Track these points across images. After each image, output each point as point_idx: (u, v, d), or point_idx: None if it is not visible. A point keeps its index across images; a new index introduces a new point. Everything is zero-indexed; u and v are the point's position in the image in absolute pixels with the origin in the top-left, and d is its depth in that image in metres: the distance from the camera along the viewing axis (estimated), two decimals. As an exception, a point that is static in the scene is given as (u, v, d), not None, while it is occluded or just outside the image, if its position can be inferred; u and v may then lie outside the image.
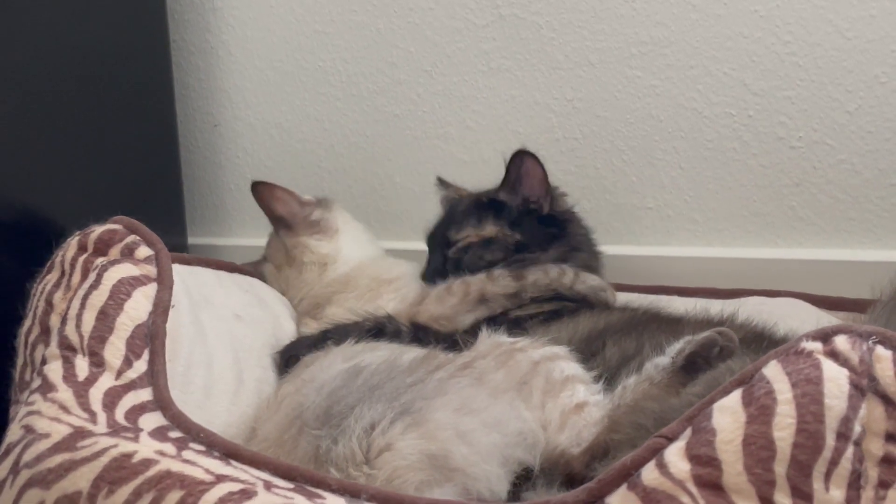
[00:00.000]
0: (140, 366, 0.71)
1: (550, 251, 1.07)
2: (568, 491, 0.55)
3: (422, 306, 1.01)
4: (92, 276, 0.75)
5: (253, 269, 1.16)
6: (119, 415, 0.66)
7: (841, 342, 0.51)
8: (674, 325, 0.88)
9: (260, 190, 1.14)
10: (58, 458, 0.60)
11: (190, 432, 0.64)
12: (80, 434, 0.63)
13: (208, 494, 0.55)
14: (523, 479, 0.70)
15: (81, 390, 0.67)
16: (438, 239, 1.12)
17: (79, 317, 0.72)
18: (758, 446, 0.48)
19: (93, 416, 0.65)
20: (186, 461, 0.59)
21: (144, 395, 0.69)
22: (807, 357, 0.51)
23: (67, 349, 0.70)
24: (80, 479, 0.58)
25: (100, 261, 0.77)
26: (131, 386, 0.69)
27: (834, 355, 0.51)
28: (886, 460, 0.48)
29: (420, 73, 1.42)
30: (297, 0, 1.48)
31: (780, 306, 1.07)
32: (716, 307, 0.96)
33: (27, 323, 0.78)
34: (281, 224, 1.16)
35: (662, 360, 0.74)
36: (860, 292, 0.95)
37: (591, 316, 0.95)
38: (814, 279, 1.16)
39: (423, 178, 1.44)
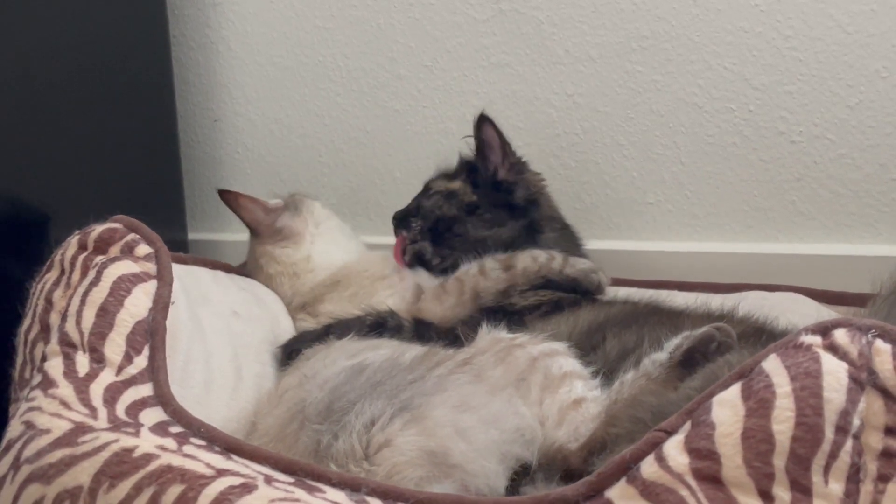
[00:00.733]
0: (140, 361, 0.71)
1: (507, 225, 1.08)
2: (567, 486, 0.55)
3: (422, 304, 1.01)
4: (92, 274, 0.75)
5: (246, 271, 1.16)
6: (120, 410, 0.66)
7: (840, 336, 0.51)
8: (674, 319, 0.88)
9: (225, 198, 1.12)
10: (58, 454, 0.60)
11: (191, 427, 0.65)
12: (80, 429, 0.63)
13: (209, 488, 0.55)
14: (522, 475, 0.70)
15: (82, 386, 0.67)
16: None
17: (79, 313, 0.72)
18: (757, 440, 0.48)
19: (93, 412, 0.65)
20: (187, 456, 0.59)
21: (145, 390, 0.69)
22: (806, 350, 0.51)
23: (68, 346, 0.70)
24: (81, 474, 0.58)
25: (99, 259, 0.77)
26: (132, 381, 0.69)
27: (833, 349, 0.50)
28: (885, 454, 0.48)
29: (420, 69, 1.41)
30: (296, -4, 1.48)
31: (780, 301, 1.07)
32: (716, 302, 0.96)
33: (27, 321, 0.78)
34: (251, 230, 1.14)
35: (660, 356, 0.74)
36: (860, 287, 0.95)
37: (591, 309, 0.95)
38: (814, 274, 1.16)
39: (424, 173, 1.43)
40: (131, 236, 0.80)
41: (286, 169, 1.55)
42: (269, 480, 0.57)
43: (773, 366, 0.51)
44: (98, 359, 0.70)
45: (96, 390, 0.67)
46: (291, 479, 0.58)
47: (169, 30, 1.46)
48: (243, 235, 1.19)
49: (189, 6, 1.56)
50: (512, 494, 0.68)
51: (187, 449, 0.61)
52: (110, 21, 1.30)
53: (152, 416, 0.66)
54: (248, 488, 0.55)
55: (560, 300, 0.99)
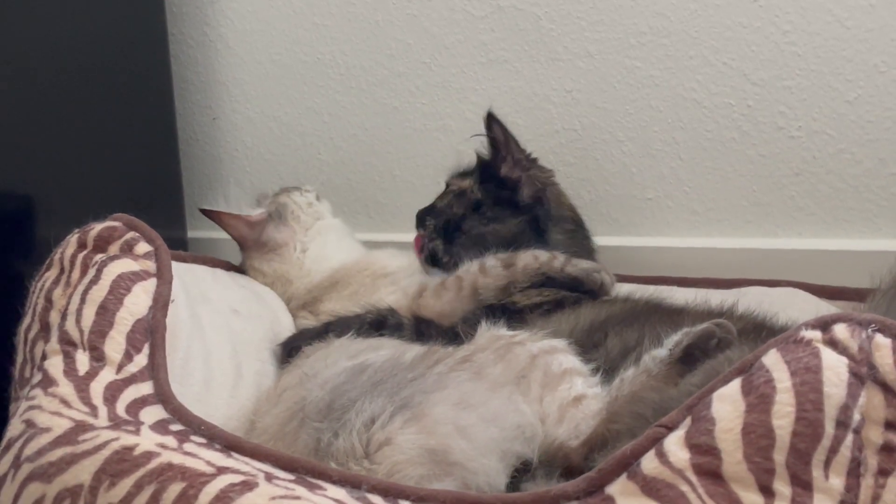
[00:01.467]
0: (140, 360, 0.71)
1: (507, 222, 1.08)
2: (567, 482, 0.55)
3: (421, 300, 1.01)
4: (91, 272, 0.75)
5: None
6: (120, 408, 0.66)
7: (840, 330, 0.51)
8: (675, 316, 0.88)
9: (208, 216, 1.11)
10: (59, 452, 0.61)
11: (191, 425, 0.65)
12: (81, 428, 0.63)
13: (210, 486, 0.55)
14: (523, 472, 0.70)
15: (82, 384, 0.67)
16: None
17: (79, 312, 0.72)
18: (757, 435, 0.48)
19: (94, 410, 0.65)
20: (188, 454, 0.59)
21: (145, 388, 0.69)
22: (806, 346, 0.51)
23: (68, 344, 0.70)
24: (82, 473, 0.59)
25: (99, 257, 0.77)
26: (132, 380, 0.69)
27: (833, 344, 0.51)
28: (886, 448, 0.48)
29: (419, 65, 1.41)
30: (295, -7, 1.48)
31: (780, 296, 1.07)
32: (716, 298, 0.96)
33: (26, 320, 0.78)
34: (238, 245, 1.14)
35: (660, 352, 0.74)
36: (860, 282, 0.94)
37: (592, 307, 0.95)
38: (814, 269, 1.15)
39: (423, 170, 1.44)
40: (131, 234, 0.80)
41: (285, 166, 1.55)
42: (269, 478, 0.57)
43: (773, 361, 0.51)
44: (98, 357, 0.70)
45: (96, 389, 0.67)
46: (292, 477, 0.58)
47: (167, 28, 1.46)
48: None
49: (187, 4, 1.56)
50: (513, 491, 0.68)
51: (188, 447, 0.61)
52: (108, 19, 1.30)
53: (152, 414, 0.66)
54: (248, 486, 0.55)
55: (563, 299, 0.98)
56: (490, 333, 0.83)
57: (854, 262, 1.13)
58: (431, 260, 1.10)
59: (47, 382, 0.68)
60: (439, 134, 1.42)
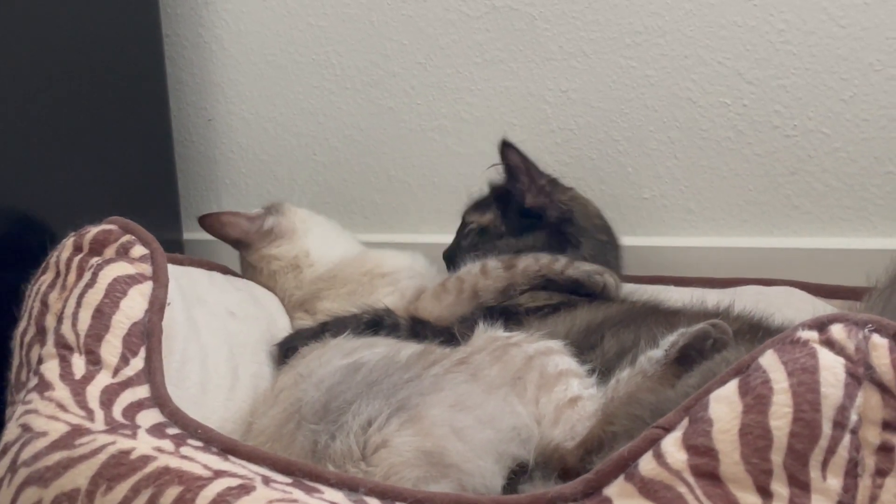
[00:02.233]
0: (137, 363, 0.71)
1: (535, 236, 1.08)
2: (564, 483, 0.55)
3: (420, 303, 1.01)
4: (87, 276, 0.75)
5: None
6: (116, 412, 0.66)
7: (837, 331, 0.51)
8: (672, 317, 0.88)
9: (208, 223, 1.12)
10: (56, 456, 0.60)
11: (187, 428, 0.64)
12: (77, 432, 0.63)
13: (207, 490, 0.55)
14: (519, 474, 0.70)
15: (78, 388, 0.67)
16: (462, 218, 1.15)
17: (75, 315, 0.72)
18: (754, 435, 0.49)
19: (90, 414, 0.65)
20: (184, 457, 0.59)
21: (142, 392, 0.69)
22: (803, 346, 0.51)
23: (64, 348, 0.70)
24: (79, 477, 0.58)
25: (95, 260, 0.77)
26: (128, 383, 0.69)
27: (830, 344, 0.51)
28: (883, 448, 0.48)
29: (414, 66, 1.41)
30: (289, -7, 1.48)
31: (776, 295, 1.07)
32: (713, 297, 0.96)
33: (22, 324, 0.78)
34: (240, 246, 1.15)
35: (656, 353, 0.74)
36: (856, 280, 0.95)
37: (589, 309, 0.94)
38: (810, 268, 1.16)
39: (418, 170, 1.43)
40: (126, 237, 0.79)
41: (281, 167, 1.55)
42: (266, 481, 0.56)
43: (770, 362, 0.51)
44: (94, 361, 0.69)
45: (93, 392, 0.67)
46: (289, 480, 0.58)
47: (161, 29, 1.46)
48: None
49: (182, 5, 1.55)
50: (509, 493, 0.68)
51: (184, 450, 0.60)
52: (103, 20, 1.29)
53: (149, 417, 0.66)
54: (245, 489, 0.55)
55: (568, 302, 0.97)
56: (487, 335, 0.83)
57: (850, 261, 1.14)
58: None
59: (44, 386, 0.67)
60: (435, 134, 1.42)
